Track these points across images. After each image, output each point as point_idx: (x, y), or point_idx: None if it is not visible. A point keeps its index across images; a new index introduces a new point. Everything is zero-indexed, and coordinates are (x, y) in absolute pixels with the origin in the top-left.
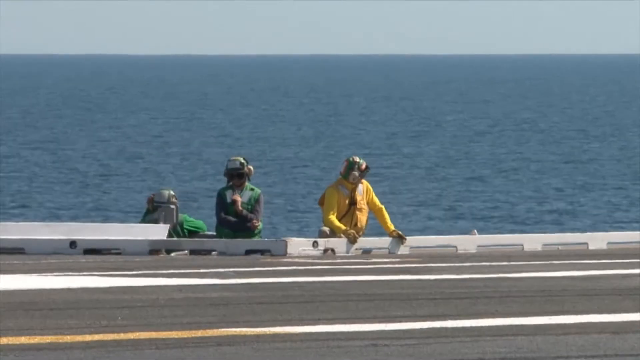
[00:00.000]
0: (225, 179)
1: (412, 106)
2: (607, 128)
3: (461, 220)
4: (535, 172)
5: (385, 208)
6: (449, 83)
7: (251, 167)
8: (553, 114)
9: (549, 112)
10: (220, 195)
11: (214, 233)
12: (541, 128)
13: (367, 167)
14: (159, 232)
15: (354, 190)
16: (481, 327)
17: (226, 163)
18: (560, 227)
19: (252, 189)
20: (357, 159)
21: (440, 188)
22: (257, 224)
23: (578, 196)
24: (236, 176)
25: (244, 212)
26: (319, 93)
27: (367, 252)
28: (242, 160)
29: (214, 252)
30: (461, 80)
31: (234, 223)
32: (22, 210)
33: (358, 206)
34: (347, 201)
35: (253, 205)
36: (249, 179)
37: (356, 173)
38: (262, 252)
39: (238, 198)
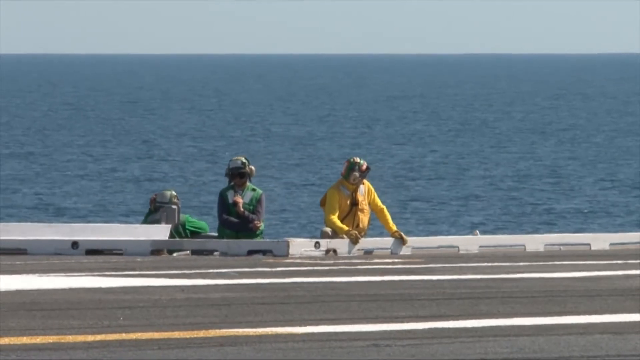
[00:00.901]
0: (226, 180)
1: (425, 106)
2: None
3: (463, 220)
4: (542, 173)
5: (387, 208)
6: (456, 83)
7: (253, 167)
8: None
9: (574, 112)
10: (222, 196)
11: (216, 234)
12: (562, 128)
13: (367, 168)
14: (160, 232)
15: (355, 190)
16: (483, 328)
17: (228, 163)
18: (563, 227)
19: (253, 190)
20: (357, 160)
21: (444, 188)
22: (258, 225)
23: (583, 197)
24: (237, 175)
25: (246, 213)
26: (333, 93)
27: (369, 252)
28: (244, 160)
29: (216, 253)
30: (467, 80)
31: (236, 224)
32: (25, 211)
33: (360, 207)
34: (348, 202)
35: (255, 205)
36: (250, 179)
37: (357, 174)
38: (264, 252)
39: (239, 200)
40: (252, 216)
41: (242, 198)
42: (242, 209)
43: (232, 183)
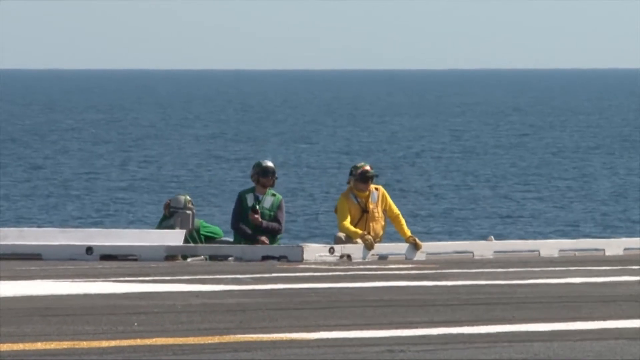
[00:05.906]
0: (248, 182)
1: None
2: None
3: (478, 226)
4: (552, 179)
5: (401, 214)
6: (460, 97)
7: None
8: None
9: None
10: (241, 198)
11: (230, 239)
12: (573, 137)
13: (365, 172)
14: (175, 237)
15: (366, 198)
16: (498, 333)
17: (256, 165)
18: (577, 233)
19: (273, 195)
20: (358, 165)
21: (459, 194)
22: (281, 230)
23: (597, 203)
24: (271, 174)
25: (264, 223)
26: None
27: (383, 258)
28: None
29: (230, 258)
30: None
31: (249, 235)
32: (40, 216)
33: (370, 214)
34: (358, 209)
35: (275, 211)
36: (273, 184)
37: (353, 179)
38: (279, 258)
39: (258, 218)
40: (271, 224)
41: (262, 203)
42: (259, 220)
43: (254, 185)
